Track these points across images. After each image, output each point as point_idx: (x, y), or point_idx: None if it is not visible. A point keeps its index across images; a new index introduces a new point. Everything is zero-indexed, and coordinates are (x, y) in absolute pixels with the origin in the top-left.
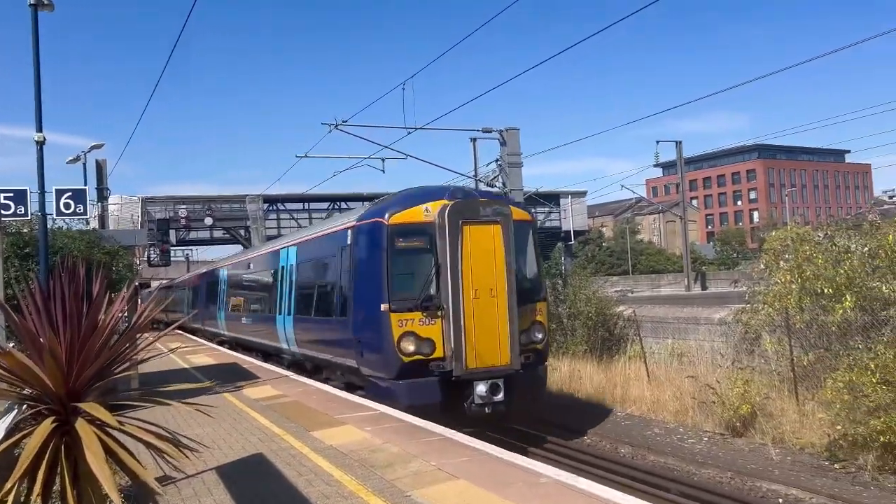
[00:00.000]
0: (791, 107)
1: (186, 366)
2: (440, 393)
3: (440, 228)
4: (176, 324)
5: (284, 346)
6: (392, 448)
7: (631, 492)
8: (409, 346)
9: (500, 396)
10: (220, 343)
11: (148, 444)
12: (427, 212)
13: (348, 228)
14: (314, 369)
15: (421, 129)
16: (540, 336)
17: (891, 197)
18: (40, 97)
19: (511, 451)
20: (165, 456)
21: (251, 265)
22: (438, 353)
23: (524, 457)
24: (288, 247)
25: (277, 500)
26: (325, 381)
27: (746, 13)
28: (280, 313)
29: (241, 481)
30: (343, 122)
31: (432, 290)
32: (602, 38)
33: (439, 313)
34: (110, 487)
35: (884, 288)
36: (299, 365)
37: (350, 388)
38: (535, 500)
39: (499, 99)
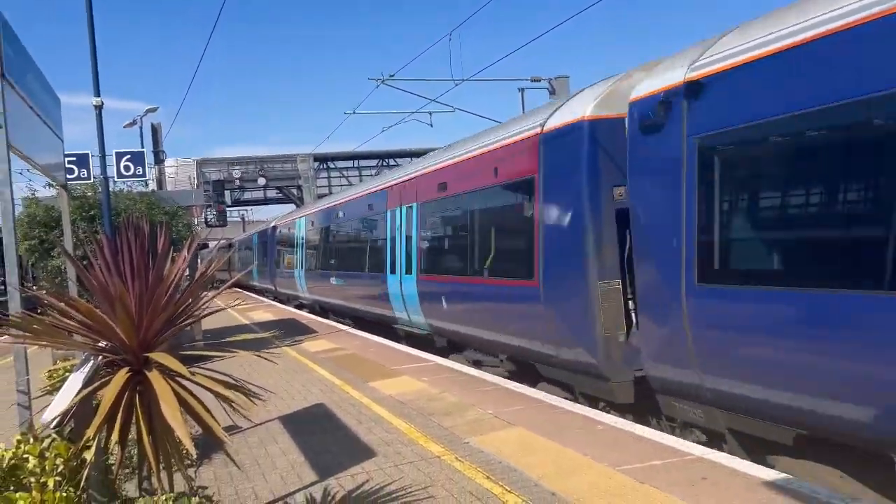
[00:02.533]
0: None
1: (246, 321)
2: None
3: None
4: (231, 281)
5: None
6: (449, 397)
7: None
8: None
9: None
10: (299, 307)
11: (217, 394)
12: None
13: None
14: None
15: (468, 80)
16: None
17: None
18: (96, 63)
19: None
20: (233, 404)
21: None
22: None
23: (580, 405)
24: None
25: (340, 446)
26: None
27: None
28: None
29: (303, 430)
30: (390, 76)
31: None
32: None
33: None
34: (183, 435)
35: None
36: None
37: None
38: (594, 446)
39: (548, 46)
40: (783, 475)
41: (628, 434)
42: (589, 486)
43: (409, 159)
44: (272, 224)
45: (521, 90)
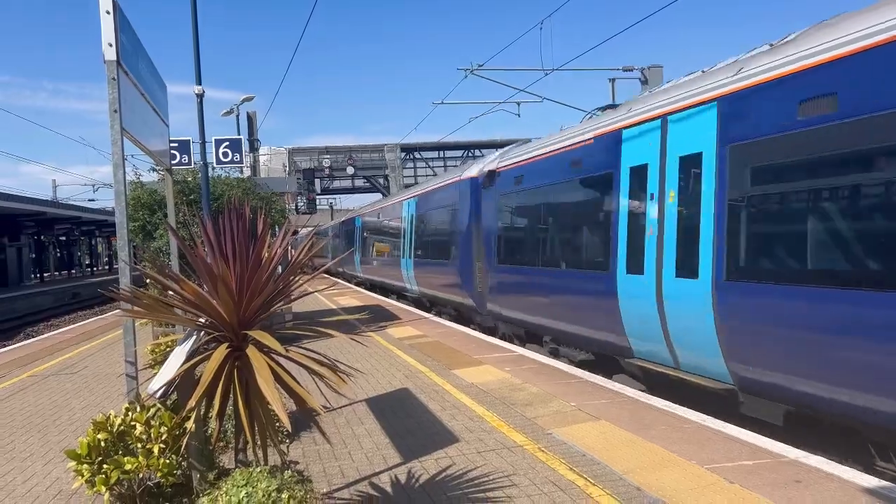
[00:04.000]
0: None
1: (333, 306)
2: None
3: None
4: (324, 267)
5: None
6: (531, 388)
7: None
8: None
9: None
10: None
11: (310, 369)
12: None
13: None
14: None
15: (557, 70)
16: None
17: None
18: (199, 52)
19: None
20: (326, 380)
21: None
22: None
23: (666, 401)
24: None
25: (424, 431)
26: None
27: None
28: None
29: (388, 412)
30: (479, 66)
31: None
32: None
33: None
34: (279, 408)
35: None
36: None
37: None
38: (681, 443)
39: (642, 35)
40: (884, 483)
41: (717, 433)
42: (675, 483)
43: (494, 150)
44: (380, 205)
45: (612, 80)
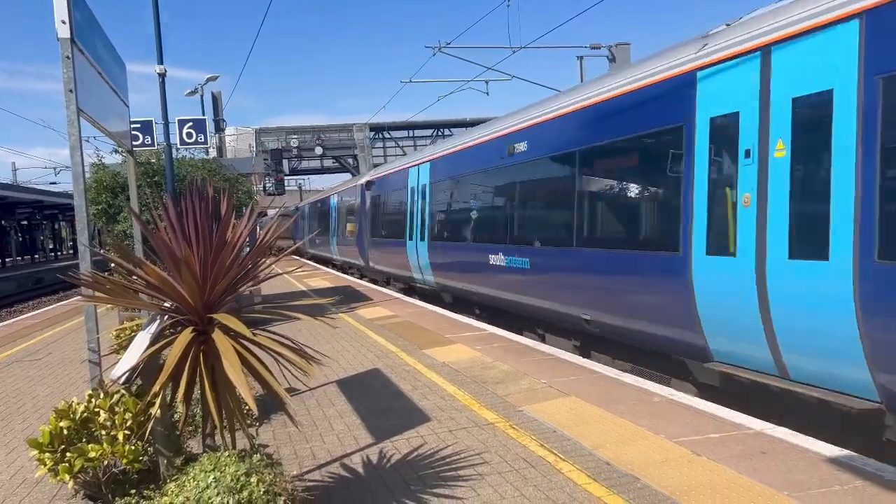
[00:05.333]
0: None
1: (304, 288)
2: None
3: None
4: (292, 248)
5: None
6: (503, 366)
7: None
8: None
9: None
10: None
11: (277, 354)
12: None
13: None
14: None
15: (525, 48)
16: None
17: None
18: (160, 31)
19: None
20: (294, 365)
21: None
22: None
23: (635, 376)
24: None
25: (395, 411)
26: None
27: None
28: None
29: (359, 393)
30: (446, 44)
31: None
32: None
33: None
34: (246, 394)
35: None
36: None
37: None
38: (650, 417)
39: (609, 13)
40: (846, 451)
41: (685, 407)
42: (644, 457)
43: (464, 129)
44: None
45: (580, 58)
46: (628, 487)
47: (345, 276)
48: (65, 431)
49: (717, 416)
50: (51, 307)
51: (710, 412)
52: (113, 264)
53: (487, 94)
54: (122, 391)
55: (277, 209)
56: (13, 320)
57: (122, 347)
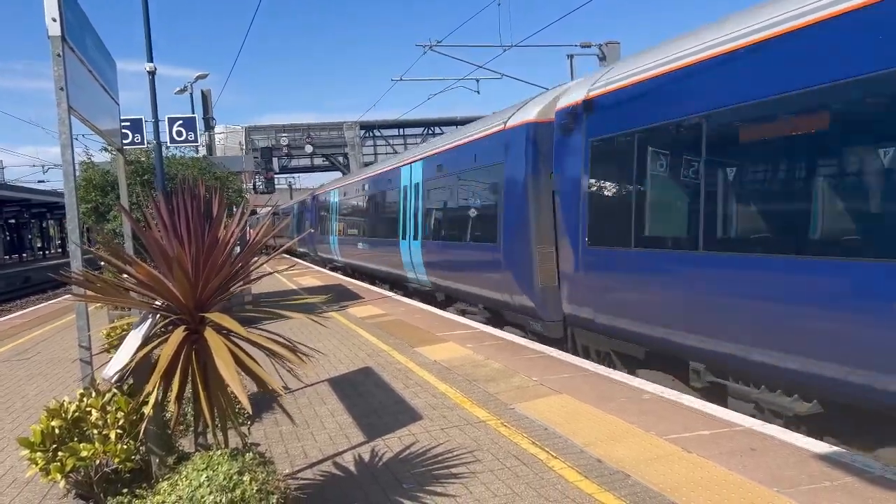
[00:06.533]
0: None
1: (294, 286)
2: None
3: None
4: (284, 247)
5: None
6: (494, 364)
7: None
8: None
9: None
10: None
11: (270, 351)
12: None
13: None
14: None
15: (516, 46)
16: None
17: None
18: (150, 28)
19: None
20: (286, 363)
21: None
22: None
23: (626, 374)
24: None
25: (386, 410)
26: None
27: None
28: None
29: (351, 392)
30: (437, 42)
31: None
32: None
33: None
34: (239, 391)
35: None
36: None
37: None
38: (641, 415)
39: (599, 11)
40: (835, 448)
41: (675, 404)
42: (635, 454)
43: (454, 127)
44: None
45: (570, 56)
46: (619, 484)
47: (337, 275)
48: (56, 431)
49: (707, 414)
50: (39, 306)
51: (700, 409)
52: (103, 262)
53: (478, 92)
54: (115, 390)
55: (270, 208)
56: (1, 319)
57: (113, 346)
